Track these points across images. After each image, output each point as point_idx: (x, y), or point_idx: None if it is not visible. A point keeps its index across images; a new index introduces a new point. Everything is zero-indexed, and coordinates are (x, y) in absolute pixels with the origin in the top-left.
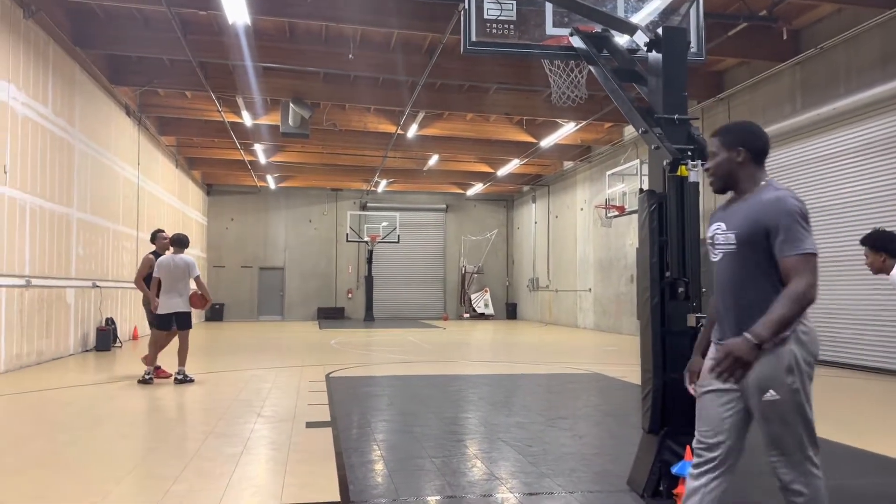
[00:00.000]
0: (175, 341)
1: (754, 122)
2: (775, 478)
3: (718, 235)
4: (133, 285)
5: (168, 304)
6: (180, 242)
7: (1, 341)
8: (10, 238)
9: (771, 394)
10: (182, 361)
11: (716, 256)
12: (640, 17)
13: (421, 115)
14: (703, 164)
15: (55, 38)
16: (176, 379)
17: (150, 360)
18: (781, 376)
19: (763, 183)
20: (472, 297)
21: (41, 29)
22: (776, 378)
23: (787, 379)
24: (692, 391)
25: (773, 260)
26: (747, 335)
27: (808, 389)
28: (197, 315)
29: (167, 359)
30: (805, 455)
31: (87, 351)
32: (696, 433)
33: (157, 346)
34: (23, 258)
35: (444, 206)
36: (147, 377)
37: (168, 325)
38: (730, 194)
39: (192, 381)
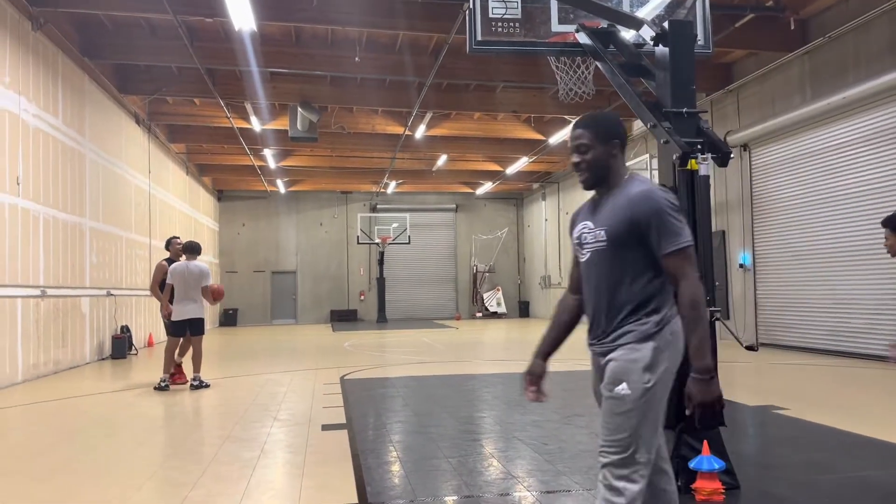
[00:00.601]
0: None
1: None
2: (600, 470)
3: (586, 234)
4: (147, 293)
5: (182, 310)
6: (193, 249)
7: (18, 351)
8: (24, 249)
9: (623, 387)
10: (197, 368)
11: (584, 256)
12: (645, 12)
13: (428, 116)
14: (575, 159)
15: (64, 49)
16: (192, 385)
17: (166, 366)
18: (638, 372)
19: (627, 176)
20: (485, 296)
21: (49, 41)
22: (632, 372)
23: (644, 376)
24: (529, 396)
25: (648, 258)
26: (695, 376)
27: (662, 391)
28: (210, 320)
29: (185, 365)
30: (637, 458)
31: (103, 359)
32: (603, 441)
33: (170, 352)
34: (37, 268)
35: (454, 205)
36: (163, 384)
37: (182, 332)
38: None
39: (207, 386)
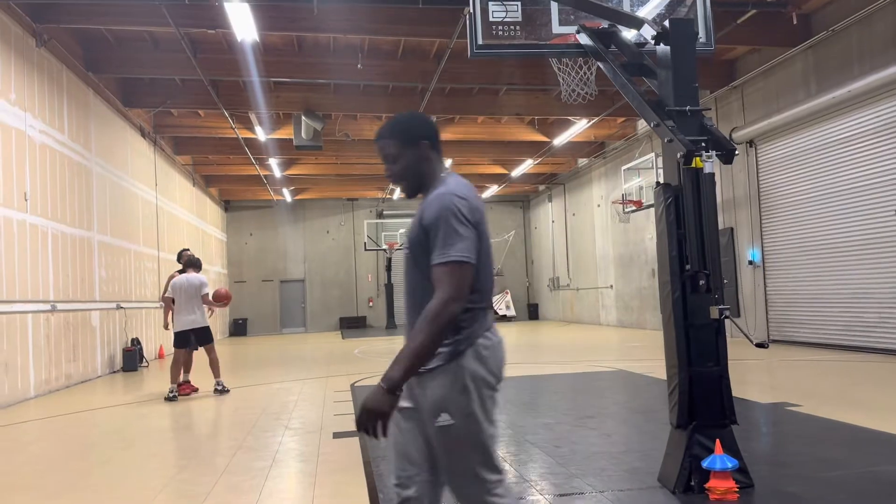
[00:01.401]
0: (203, 357)
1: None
2: None
3: (405, 236)
4: (157, 305)
5: (184, 320)
6: (193, 263)
7: (29, 367)
8: (33, 264)
9: (444, 417)
10: (217, 374)
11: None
12: (646, 11)
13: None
14: (386, 172)
15: (68, 64)
16: (216, 390)
17: (172, 377)
18: (455, 397)
19: (443, 175)
20: (493, 299)
21: (54, 57)
22: (449, 400)
23: (461, 400)
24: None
25: None
26: (380, 382)
27: (485, 411)
28: (220, 331)
29: (199, 375)
30: (483, 486)
31: (114, 372)
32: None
33: (177, 363)
34: (47, 283)
35: None
36: (171, 395)
37: (185, 343)
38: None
39: (227, 391)
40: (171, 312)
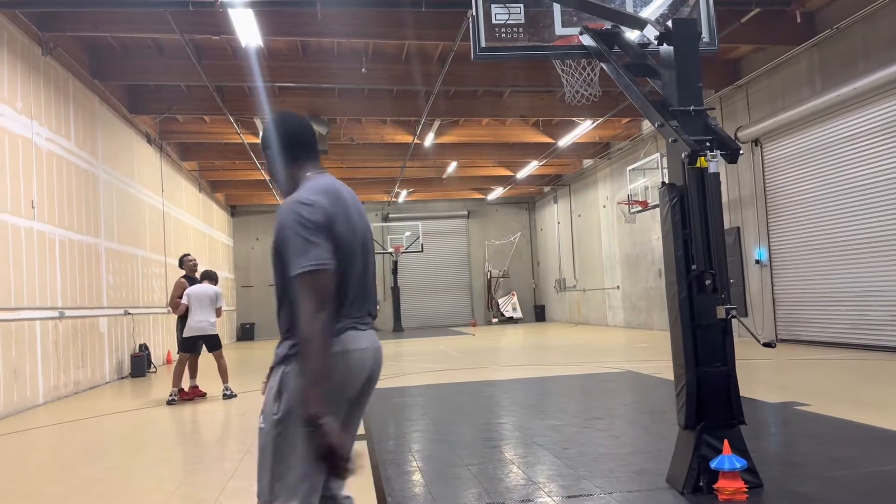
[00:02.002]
0: (211, 362)
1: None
2: None
3: None
4: (164, 311)
5: (194, 326)
6: (211, 277)
7: (38, 373)
8: (41, 272)
9: (260, 421)
10: (225, 379)
11: None
12: (649, 12)
13: (437, 124)
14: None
15: (74, 72)
16: (224, 395)
17: (174, 381)
18: (269, 402)
19: (308, 175)
20: (500, 301)
21: (60, 65)
22: (266, 403)
23: (273, 406)
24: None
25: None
26: (304, 427)
27: (295, 423)
28: (228, 335)
29: (207, 380)
30: None
31: (122, 378)
32: None
33: (181, 368)
34: (55, 290)
35: (466, 212)
36: (172, 399)
37: (192, 348)
38: None
39: (235, 396)
40: (183, 313)
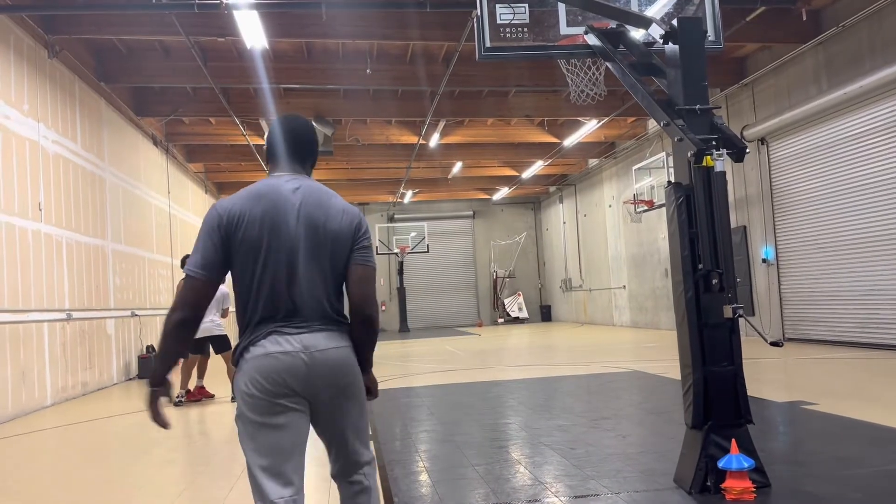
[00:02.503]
0: (220, 364)
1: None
2: None
3: None
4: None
5: (201, 328)
6: None
7: (46, 375)
8: (48, 274)
9: None
10: (233, 381)
11: None
12: (654, 11)
13: (442, 124)
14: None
15: (80, 75)
16: (232, 398)
17: (182, 382)
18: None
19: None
20: (506, 301)
21: (66, 67)
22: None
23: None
24: None
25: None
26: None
27: (243, 421)
28: (234, 337)
29: (214, 382)
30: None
31: (129, 379)
32: None
33: (187, 369)
34: (62, 292)
35: (471, 212)
36: (178, 400)
37: (200, 349)
38: None
39: None
40: None
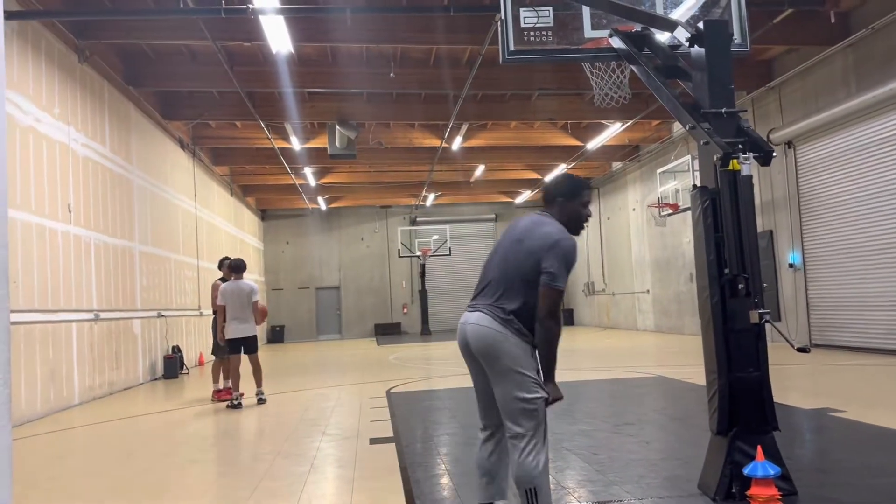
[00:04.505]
0: (245, 364)
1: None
2: None
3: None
4: (197, 313)
5: (237, 328)
6: (238, 268)
7: (74, 374)
8: (77, 274)
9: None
10: (259, 382)
11: None
12: (679, 13)
13: (465, 127)
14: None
15: (109, 79)
16: (259, 399)
17: (234, 384)
18: None
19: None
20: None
21: (95, 72)
22: None
23: None
24: None
25: None
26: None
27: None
28: (259, 337)
29: (241, 382)
30: None
31: (155, 379)
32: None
33: (235, 369)
34: (90, 293)
35: (494, 215)
36: (236, 402)
37: (238, 349)
38: None
39: (265, 401)
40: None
